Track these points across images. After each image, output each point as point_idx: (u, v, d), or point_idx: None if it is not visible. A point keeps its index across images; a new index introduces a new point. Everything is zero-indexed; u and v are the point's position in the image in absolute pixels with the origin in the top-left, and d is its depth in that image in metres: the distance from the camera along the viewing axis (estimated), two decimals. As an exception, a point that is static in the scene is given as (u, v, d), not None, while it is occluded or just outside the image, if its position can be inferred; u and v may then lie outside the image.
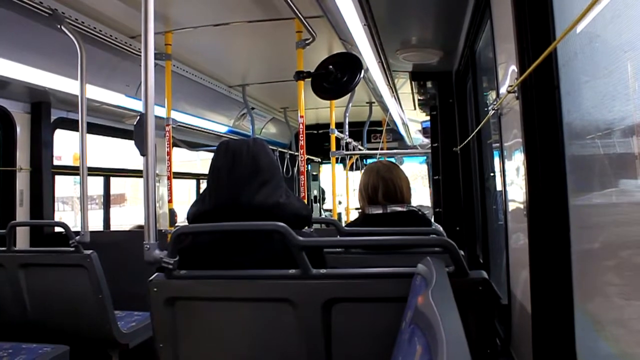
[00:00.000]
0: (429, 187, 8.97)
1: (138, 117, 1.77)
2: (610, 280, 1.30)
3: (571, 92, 1.47)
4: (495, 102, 2.08)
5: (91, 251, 2.93)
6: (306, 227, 1.95)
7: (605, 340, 1.35)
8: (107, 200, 5.55)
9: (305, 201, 3.13)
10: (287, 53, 3.88)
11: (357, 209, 5.17)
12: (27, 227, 4.12)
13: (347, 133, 5.91)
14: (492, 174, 3.06)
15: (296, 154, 7.63)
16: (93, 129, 4.61)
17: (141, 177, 1.78)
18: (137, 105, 4.40)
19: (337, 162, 5.19)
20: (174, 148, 4.70)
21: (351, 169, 7.65)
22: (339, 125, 5.50)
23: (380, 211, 2.65)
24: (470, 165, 3.75)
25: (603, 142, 1.27)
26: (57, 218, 5.15)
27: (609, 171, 1.28)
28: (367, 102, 6.99)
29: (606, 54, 1.23)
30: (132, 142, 1.78)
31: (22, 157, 4.06)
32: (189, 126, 5.55)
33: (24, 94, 3.94)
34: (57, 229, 4.21)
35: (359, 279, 1.61)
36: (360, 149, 7.23)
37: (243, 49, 4.45)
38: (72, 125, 4.39)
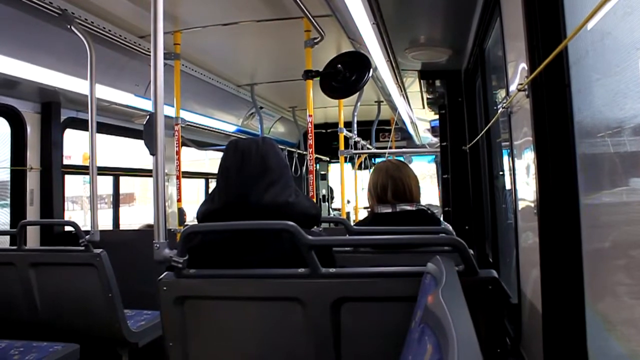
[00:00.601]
0: (438, 186, 8.94)
1: (147, 117, 1.77)
2: (621, 279, 1.29)
3: (582, 90, 1.46)
4: (505, 101, 2.07)
5: (101, 250, 2.95)
6: (315, 226, 1.96)
7: (616, 340, 1.34)
8: (116, 200, 5.57)
9: (314, 200, 3.13)
10: (295, 52, 3.88)
11: (366, 208, 5.17)
12: (37, 226, 4.14)
13: (355, 132, 5.90)
14: (501, 173, 3.05)
15: (305, 153, 7.63)
16: (103, 128, 4.63)
17: (150, 176, 1.79)
18: (147, 104, 4.41)
19: (345, 161, 5.18)
20: (183, 147, 4.71)
21: (360, 168, 7.64)
22: (348, 124, 5.49)
23: (390, 210, 2.64)
24: (479, 164, 3.73)
25: (614, 141, 1.26)
26: (66, 217, 5.17)
27: (620, 170, 1.27)
28: (375, 101, 6.98)
29: (618, 52, 1.22)
30: (142, 141, 1.79)
31: (33, 156, 4.08)
32: (198, 125, 5.57)
33: (34, 94, 3.96)
34: (67, 228, 4.23)
35: (368, 278, 1.61)
36: (368, 148, 7.22)
37: (251, 48, 4.46)
38: (81, 124, 4.41)
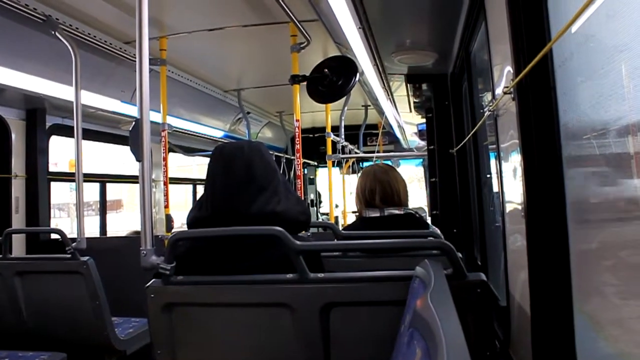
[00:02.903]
0: (426, 189, 8.97)
1: (133, 123, 1.76)
2: (609, 280, 1.29)
3: (567, 93, 1.46)
4: (491, 104, 2.08)
5: (88, 258, 2.92)
6: (303, 232, 1.94)
7: (605, 341, 1.34)
8: (103, 207, 5.54)
9: (304, 204, 3.11)
10: (282, 57, 3.88)
11: (354, 212, 5.16)
12: (23, 235, 4.10)
13: (343, 136, 5.91)
14: (488, 176, 3.06)
15: (292, 157, 7.63)
16: (89, 135, 4.60)
17: (137, 182, 1.77)
18: (133, 111, 4.39)
19: (333, 165, 5.18)
20: (170, 153, 4.70)
21: (347, 172, 7.65)
22: (335, 129, 5.50)
23: (378, 214, 2.64)
24: (466, 167, 3.75)
25: (599, 142, 1.27)
26: (53, 225, 5.12)
27: (606, 171, 1.28)
28: (362, 105, 7.00)
29: (602, 54, 1.23)
30: (128, 147, 1.78)
31: (18, 164, 4.04)
32: (185, 131, 5.55)
33: (19, 101, 3.93)
34: (54, 236, 4.19)
35: (356, 282, 1.61)
36: (356, 152, 7.23)
37: (238, 54, 4.45)
38: (67, 131, 4.38)
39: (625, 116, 1.12)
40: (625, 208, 1.17)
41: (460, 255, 1.57)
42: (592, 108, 1.31)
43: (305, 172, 9.76)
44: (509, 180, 1.97)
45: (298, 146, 3.89)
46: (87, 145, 4.53)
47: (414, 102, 5.23)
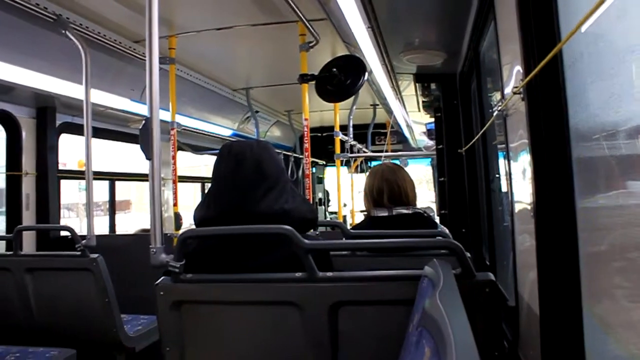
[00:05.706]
0: (435, 190, 8.95)
1: (143, 121, 1.77)
2: (619, 282, 1.29)
3: (577, 93, 1.46)
4: (500, 103, 2.07)
5: (97, 255, 2.94)
6: (311, 230, 1.95)
7: (615, 342, 1.34)
8: (112, 205, 5.56)
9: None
10: (290, 56, 3.89)
11: (362, 211, 5.15)
12: (33, 232, 4.13)
13: (351, 135, 5.91)
14: (497, 176, 3.05)
15: (301, 156, 7.64)
16: (98, 133, 4.62)
17: (146, 181, 1.78)
18: (142, 109, 4.41)
19: (341, 164, 5.18)
20: (179, 152, 4.71)
21: (356, 171, 7.64)
22: (343, 128, 5.49)
23: (386, 214, 2.64)
24: (475, 166, 3.74)
25: (610, 143, 1.27)
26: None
27: (616, 172, 1.27)
28: (371, 105, 6.99)
29: (612, 54, 1.23)
30: (138, 146, 1.78)
31: (28, 161, 4.07)
32: (194, 130, 5.56)
33: (30, 99, 3.95)
34: (63, 233, 4.22)
35: (365, 281, 1.61)
36: (364, 152, 7.22)
37: (247, 53, 4.46)
38: (77, 129, 4.41)
39: (636, 117, 1.11)
40: (636, 209, 1.17)
41: (468, 254, 1.57)
42: (602, 109, 1.31)
43: (314, 171, 9.77)
44: (518, 180, 1.97)
45: (307, 145, 3.89)
46: (96, 144, 4.55)
47: (423, 102, 5.23)
